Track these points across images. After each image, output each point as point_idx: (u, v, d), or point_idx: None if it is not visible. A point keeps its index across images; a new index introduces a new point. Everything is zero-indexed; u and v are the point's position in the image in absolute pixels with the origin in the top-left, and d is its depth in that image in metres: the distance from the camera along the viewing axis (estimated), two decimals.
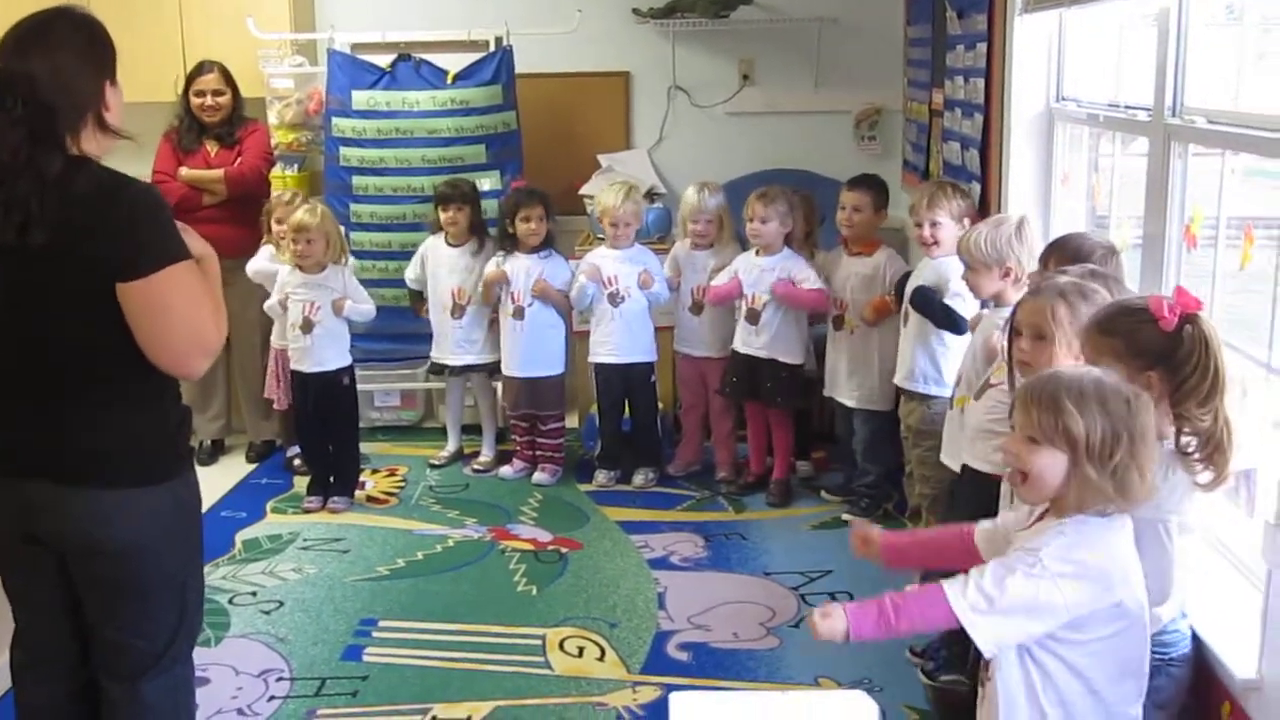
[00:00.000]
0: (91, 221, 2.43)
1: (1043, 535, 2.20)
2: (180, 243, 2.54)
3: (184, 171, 5.66)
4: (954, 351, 4.19)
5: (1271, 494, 2.42)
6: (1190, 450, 2.39)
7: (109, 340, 2.51)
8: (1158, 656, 2.48)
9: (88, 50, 2.54)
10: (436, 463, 5.82)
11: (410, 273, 5.78)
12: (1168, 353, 2.37)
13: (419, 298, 5.82)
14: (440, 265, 5.66)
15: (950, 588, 2.18)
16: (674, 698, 2.81)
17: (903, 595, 2.26)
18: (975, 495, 3.31)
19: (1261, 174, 3.29)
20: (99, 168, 2.51)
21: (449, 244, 5.63)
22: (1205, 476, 2.38)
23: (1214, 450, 2.37)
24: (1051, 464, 2.20)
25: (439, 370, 5.83)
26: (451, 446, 5.92)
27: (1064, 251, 3.24)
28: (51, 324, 2.50)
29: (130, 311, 2.47)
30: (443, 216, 5.60)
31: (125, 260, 2.44)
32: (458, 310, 5.60)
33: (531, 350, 5.45)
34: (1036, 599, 2.15)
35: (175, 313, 2.50)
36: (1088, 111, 3.98)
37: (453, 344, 5.67)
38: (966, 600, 2.16)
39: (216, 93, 5.68)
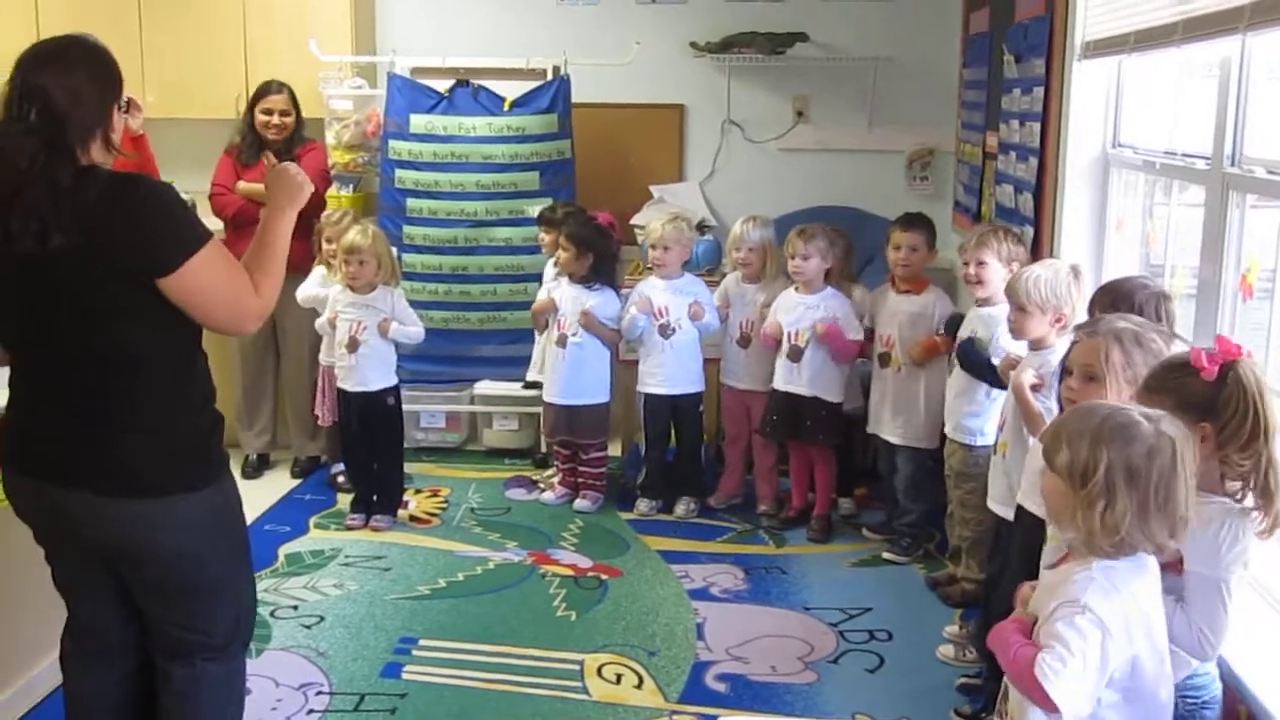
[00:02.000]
0: (107, 222, 2.51)
1: (1075, 584, 2.17)
2: (200, 226, 2.65)
3: (242, 185, 5.74)
4: (998, 403, 4.17)
5: None
6: (1240, 498, 2.37)
7: (141, 347, 2.62)
8: (1190, 700, 2.47)
9: (99, 74, 2.65)
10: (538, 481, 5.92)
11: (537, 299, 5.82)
12: (1214, 403, 2.37)
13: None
14: (546, 283, 5.74)
15: (1040, 657, 2.14)
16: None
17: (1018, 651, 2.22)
18: (1024, 537, 3.29)
19: None
20: (107, 172, 2.62)
21: (553, 265, 5.69)
22: (1262, 524, 2.37)
23: (1263, 495, 2.36)
24: (1050, 486, 2.24)
25: (533, 387, 5.92)
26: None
27: (1114, 295, 3.23)
28: (83, 330, 2.58)
29: (175, 298, 2.58)
30: (544, 238, 5.71)
31: (153, 257, 2.54)
32: (541, 328, 5.69)
33: (573, 379, 5.47)
34: (1102, 646, 2.13)
35: (212, 293, 2.62)
36: (1144, 158, 3.97)
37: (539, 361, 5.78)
38: (1046, 664, 2.12)
39: (284, 113, 5.76)
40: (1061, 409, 2.89)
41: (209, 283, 2.61)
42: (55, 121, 2.52)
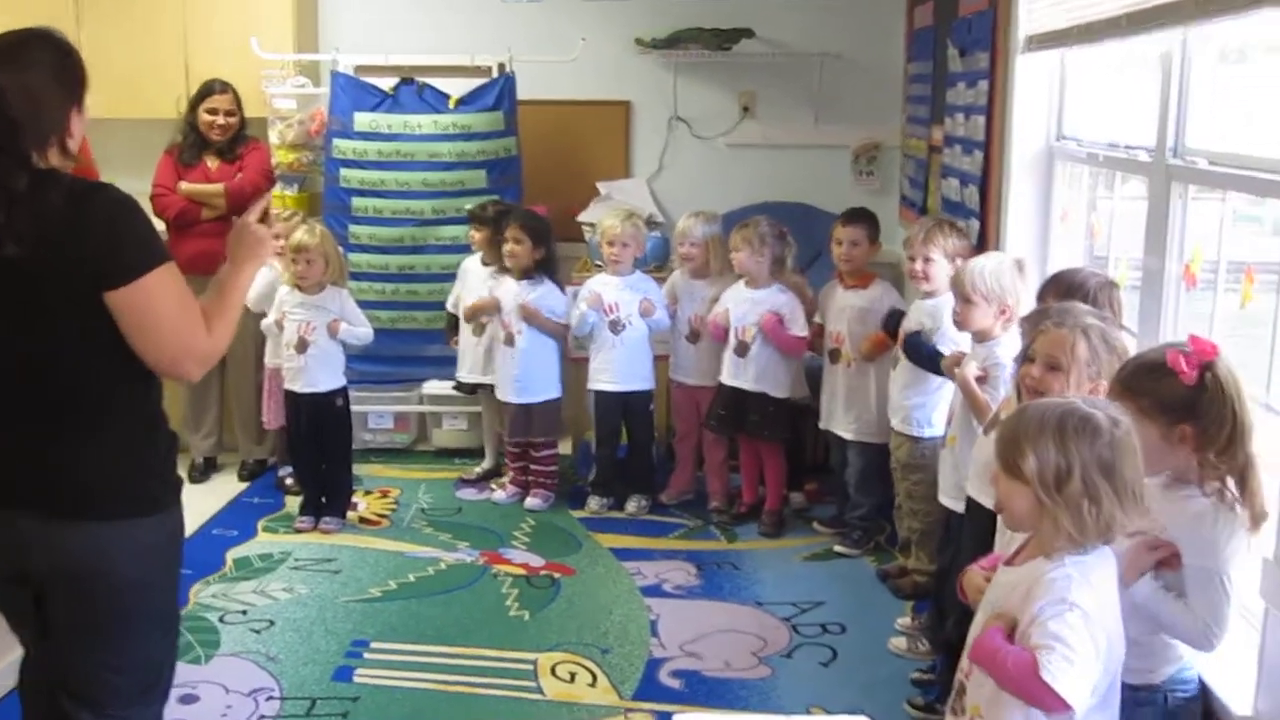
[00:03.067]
0: (67, 230, 2.37)
1: (1054, 583, 2.16)
2: (161, 245, 2.50)
3: (184, 185, 5.67)
4: (945, 394, 4.20)
5: (1270, 532, 2.44)
6: (1225, 496, 2.39)
7: (97, 363, 2.47)
8: (1179, 695, 2.50)
9: (59, 74, 2.50)
10: (469, 478, 5.89)
11: (450, 302, 5.82)
12: (1193, 404, 2.37)
13: (454, 326, 5.83)
14: (471, 283, 5.70)
15: (1043, 660, 2.12)
16: (677, 718, 2.80)
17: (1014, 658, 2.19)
18: (975, 528, 3.31)
19: (1251, 219, 3.33)
20: (68, 177, 2.45)
21: (483, 263, 5.66)
22: (1246, 521, 2.37)
23: (1244, 492, 2.37)
24: (1014, 495, 2.22)
25: (467, 390, 5.88)
26: (488, 463, 5.99)
27: (1065, 285, 3.26)
28: (37, 345, 2.43)
29: (120, 318, 2.42)
30: (475, 236, 5.66)
31: (109, 267, 2.38)
32: (479, 329, 5.63)
33: (526, 376, 5.45)
34: (1092, 638, 2.13)
35: (163, 317, 2.46)
36: (1088, 150, 4.01)
37: (472, 362, 5.73)
38: (1054, 668, 2.10)
39: (228, 113, 5.70)
40: (1020, 396, 2.90)
41: (160, 305, 2.44)
42: (7, 124, 2.35)
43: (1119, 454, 2.13)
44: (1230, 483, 2.37)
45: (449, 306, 5.85)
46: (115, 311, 2.41)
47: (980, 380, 3.62)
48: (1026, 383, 2.83)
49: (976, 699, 2.29)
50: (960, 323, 3.82)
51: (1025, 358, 2.87)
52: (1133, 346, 2.93)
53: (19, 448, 2.49)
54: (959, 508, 3.68)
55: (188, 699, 3.77)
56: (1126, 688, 2.29)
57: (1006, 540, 2.46)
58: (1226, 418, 2.35)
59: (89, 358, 2.46)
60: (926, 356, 4.28)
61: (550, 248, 5.45)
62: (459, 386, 5.88)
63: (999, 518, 2.77)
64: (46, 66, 2.48)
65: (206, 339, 2.54)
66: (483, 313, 5.54)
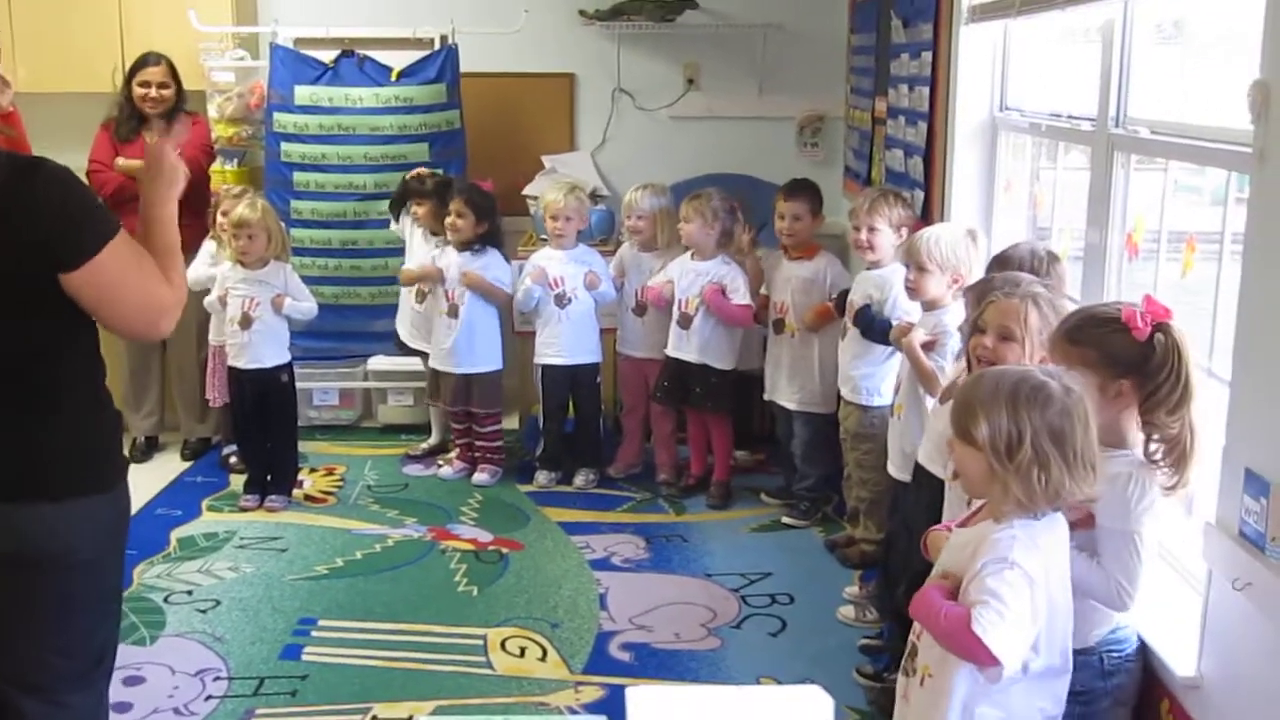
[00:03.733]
0: (15, 211, 2.30)
1: (999, 543, 2.19)
2: (108, 214, 2.43)
3: (120, 161, 5.58)
4: (894, 364, 4.22)
5: (1209, 496, 2.47)
6: (1157, 457, 2.42)
7: (47, 341, 2.42)
8: (1115, 655, 2.54)
9: None
10: (415, 454, 5.87)
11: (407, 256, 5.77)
12: (1139, 362, 2.39)
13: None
14: (414, 246, 5.67)
15: (974, 613, 2.14)
16: (630, 693, 2.80)
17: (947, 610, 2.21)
18: (924, 497, 3.33)
19: (1190, 189, 3.36)
20: (3, 154, 2.39)
21: (430, 234, 5.62)
22: (1168, 481, 2.41)
23: (1179, 457, 2.40)
24: (967, 461, 2.25)
25: (407, 351, 5.85)
26: (435, 438, 5.97)
27: (1008, 264, 3.27)
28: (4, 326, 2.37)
29: (83, 296, 2.37)
30: (417, 210, 5.62)
31: (64, 250, 2.32)
32: (420, 296, 5.60)
33: (466, 347, 5.42)
34: (1031, 599, 2.15)
35: (127, 287, 2.41)
36: (1030, 121, 4.03)
37: (411, 328, 5.71)
38: (985, 620, 2.12)
39: (162, 85, 5.62)
40: (969, 366, 2.93)
41: (121, 276, 2.38)
42: None
43: (1070, 422, 2.16)
44: (1170, 447, 2.39)
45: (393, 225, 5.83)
46: (76, 291, 2.36)
47: (927, 346, 3.66)
48: (979, 353, 2.85)
49: (927, 659, 2.32)
50: (913, 291, 3.83)
51: (974, 328, 2.89)
52: None
53: None
54: (905, 477, 3.70)
55: (133, 680, 3.73)
56: None
57: (957, 508, 2.48)
58: (1180, 378, 2.38)
59: (40, 336, 2.41)
60: (879, 330, 4.29)
61: (494, 222, 5.42)
62: (400, 346, 5.85)
63: (953, 483, 2.80)
64: None
65: (171, 291, 2.50)
66: (423, 281, 5.49)
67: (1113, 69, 3.25)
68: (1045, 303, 2.79)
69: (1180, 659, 2.52)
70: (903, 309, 4.16)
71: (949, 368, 3.54)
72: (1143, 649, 2.60)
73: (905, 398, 3.83)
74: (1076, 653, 2.43)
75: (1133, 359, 2.40)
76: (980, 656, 2.14)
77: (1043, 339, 2.72)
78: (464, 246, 5.35)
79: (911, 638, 2.40)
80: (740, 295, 5.13)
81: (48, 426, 2.45)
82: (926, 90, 4.56)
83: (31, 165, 2.38)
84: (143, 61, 5.61)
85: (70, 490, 2.46)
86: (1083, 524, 2.39)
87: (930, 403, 3.60)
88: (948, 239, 3.70)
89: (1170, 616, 2.64)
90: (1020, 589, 2.13)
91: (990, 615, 2.11)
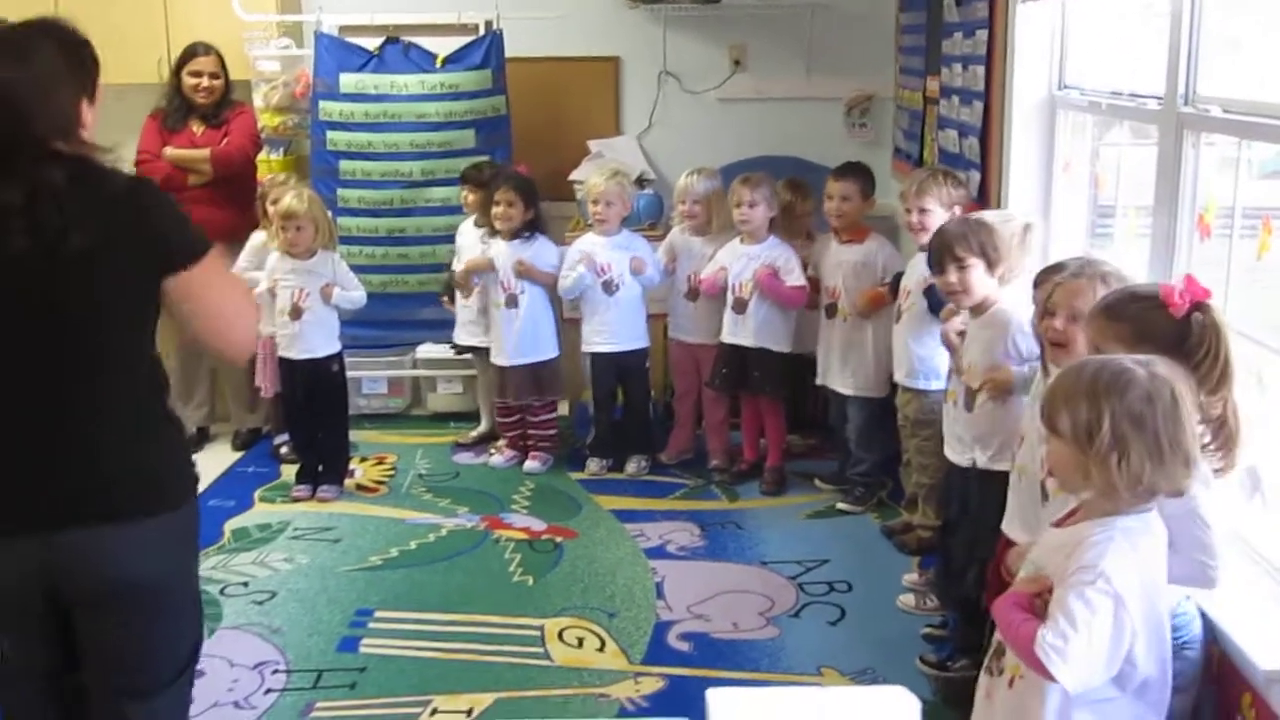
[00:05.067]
0: (131, 218, 2.33)
1: (1094, 546, 2.11)
2: (207, 235, 2.49)
3: (169, 151, 5.59)
4: None
5: None
6: (1205, 440, 2.36)
7: (138, 357, 2.44)
8: (1174, 640, 2.47)
9: (70, 66, 2.41)
10: (464, 443, 5.84)
11: (456, 260, 5.70)
12: (1176, 341, 2.35)
13: (449, 285, 5.72)
14: (466, 246, 5.62)
15: (1040, 633, 2.09)
16: (711, 694, 2.76)
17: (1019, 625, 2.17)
18: (985, 486, 3.29)
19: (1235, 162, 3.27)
20: (119, 171, 2.41)
21: (476, 225, 5.58)
22: (1217, 464, 2.36)
23: (1225, 440, 2.36)
24: (1056, 452, 2.19)
25: (463, 352, 5.80)
26: (484, 426, 5.93)
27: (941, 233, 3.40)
28: (80, 339, 2.34)
29: (188, 300, 2.40)
30: (469, 198, 5.58)
31: (177, 249, 2.38)
32: (468, 291, 5.55)
33: (529, 336, 5.38)
34: (1116, 617, 2.08)
35: (225, 293, 2.50)
36: (1091, 99, 3.95)
37: (464, 325, 5.66)
38: (1048, 643, 2.07)
39: (213, 75, 5.63)
40: (1043, 351, 2.89)
41: (222, 284, 2.50)
42: (16, 118, 2.25)
43: (1153, 408, 2.08)
44: (1213, 429, 2.35)
45: (455, 265, 5.73)
46: (181, 294, 2.39)
47: (962, 335, 3.66)
48: (1050, 336, 2.81)
49: (1016, 660, 2.26)
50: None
51: (1044, 311, 2.84)
52: None
53: (62, 454, 2.37)
54: (962, 462, 3.67)
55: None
56: None
57: (1059, 504, 2.41)
58: (1219, 357, 2.34)
59: (136, 351, 2.43)
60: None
61: (538, 207, 5.39)
62: (455, 348, 5.82)
63: (1048, 479, 2.75)
64: (55, 59, 2.38)
65: (256, 313, 2.65)
66: (476, 272, 5.46)
67: (1181, 45, 3.17)
68: (1115, 280, 2.74)
69: (1264, 651, 2.46)
70: None
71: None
72: (1209, 635, 2.54)
73: (956, 383, 3.78)
74: None
75: (1169, 337, 2.36)
76: (1047, 678, 2.09)
77: None
78: (514, 235, 5.31)
79: (997, 636, 2.34)
80: (795, 276, 5.07)
81: (139, 439, 2.44)
82: (982, 69, 4.49)
83: (146, 181, 2.53)
84: (192, 51, 5.61)
85: (162, 504, 2.46)
86: None
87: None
88: (996, 230, 3.66)
89: (1252, 607, 2.58)
90: (1102, 608, 2.07)
91: (1055, 639, 2.06)
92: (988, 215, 3.77)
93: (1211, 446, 2.36)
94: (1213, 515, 2.36)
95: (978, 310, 3.66)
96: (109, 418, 2.40)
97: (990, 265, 3.59)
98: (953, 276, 3.59)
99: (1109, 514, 2.15)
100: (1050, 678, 2.08)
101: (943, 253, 3.61)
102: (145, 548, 2.43)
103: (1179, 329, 2.36)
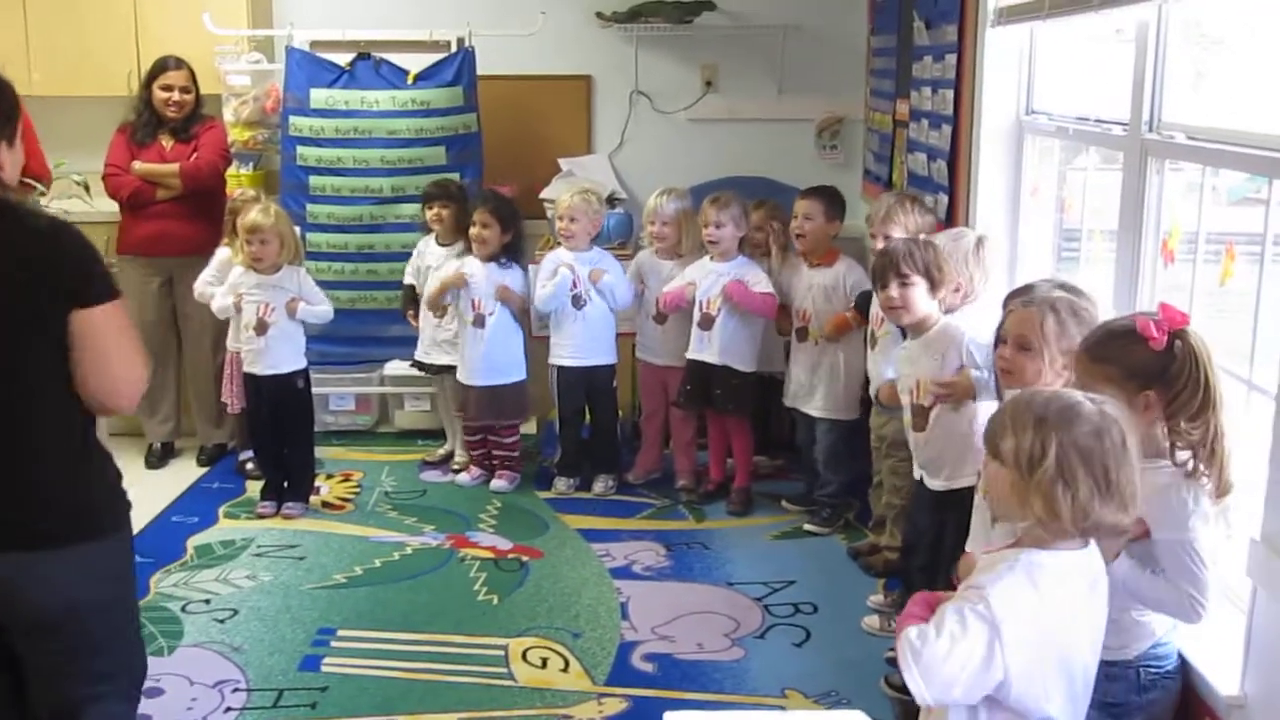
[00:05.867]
0: (46, 251, 2.39)
1: (994, 572, 2.11)
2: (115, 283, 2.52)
3: (138, 165, 5.55)
4: None
5: (1255, 512, 2.42)
6: (1189, 465, 2.37)
7: (63, 385, 2.45)
8: (1153, 670, 2.50)
9: None
10: (432, 461, 5.80)
11: (408, 274, 5.71)
12: (1160, 371, 2.36)
13: (412, 301, 5.71)
14: (430, 264, 5.58)
15: (907, 630, 2.10)
16: (669, 717, 2.75)
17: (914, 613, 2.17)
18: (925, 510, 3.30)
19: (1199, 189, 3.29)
20: (38, 210, 2.52)
21: (439, 243, 5.56)
22: (1209, 486, 2.36)
23: (1214, 462, 2.36)
24: (994, 477, 2.17)
25: (424, 369, 5.76)
26: (450, 445, 5.89)
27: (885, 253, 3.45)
28: (10, 366, 2.40)
29: (83, 339, 2.41)
30: (428, 215, 5.55)
31: (83, 286, 2.40)
32: (440, 310, 5.52)
33: (494, 358, 5.37)
34: (989, 646, 2.04)
35: (122, 343, 2.48)
36: (1059, 125, 3.97)
37: (435, 344, 5.61)
38: (909, 639, 2.07)
39: (184, 90, 5.59)
40: (996, 377, 2.90)
41: (119, 332, 2.46)
42: None
43: (1101, 444, 2.06)
44: (1198, 452, 2.36)
45: (408, 278, 5.74)
46: (81, 331, 2.40)
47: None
48: (1000, 365, 2.82)
49: None
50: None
51: (998, 339, 2.86)
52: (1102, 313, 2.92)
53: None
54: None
55: (152, 692, 3.66)
56: (1100, 664, 2.25)
57: (1002, 534, 2.42)
58: (1199, 384, 2.35)
59: (59, 383, 2.45)
60: None
61: (519, 230, 5.39)
62: (417, 365, 5.79)
63: (982, 499, 2.76)
64: None
65: (145, 374, 2.56)
66: (450, 289, 5.43)
67: (1146, 72, 3.19)
68: (1065, 307, 2.75)
69: (1224, 677, 2.47)
70: None
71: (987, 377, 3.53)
72: (1183, 666, 2.55)
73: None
74: (1113, 665, 2.41)
75: (1153, 369, 2.38)
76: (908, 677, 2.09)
77: (1063, 345, 2.69)
78: (490, 258, 5.30)
79: None
80: (762, 285, 5.07)
81: (73, 467, 2.50)
82: (951, 93, 4.51)
83: (64, 223, 2.48)
84: (163, 65, 5.57)
85: (100, 530, 2.52)
86: (1137, 535, 2.33)
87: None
88: (944, 248, 3.72)
89: (1212, 634, 2.58)
90: (974, 630, 2.04)
91: (916, 639, 2.06)
92: (938, 236, 3.80)
93: (1202, 469, 2.36)
94: (1210, 553, 2.37)
95: (917, 330, 3.70)
96: (39, 446, 2.45)
97: (933, 285, 3.63)
98: (894, 291, 3.63)
99: (1040, 544, 2.12)
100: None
101: (886, 268, 3.65)
102: (82, 573, 2.49)
103: (1161, 360, 2.37)
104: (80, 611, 2.50)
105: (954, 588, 2.46)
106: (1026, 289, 2.95)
